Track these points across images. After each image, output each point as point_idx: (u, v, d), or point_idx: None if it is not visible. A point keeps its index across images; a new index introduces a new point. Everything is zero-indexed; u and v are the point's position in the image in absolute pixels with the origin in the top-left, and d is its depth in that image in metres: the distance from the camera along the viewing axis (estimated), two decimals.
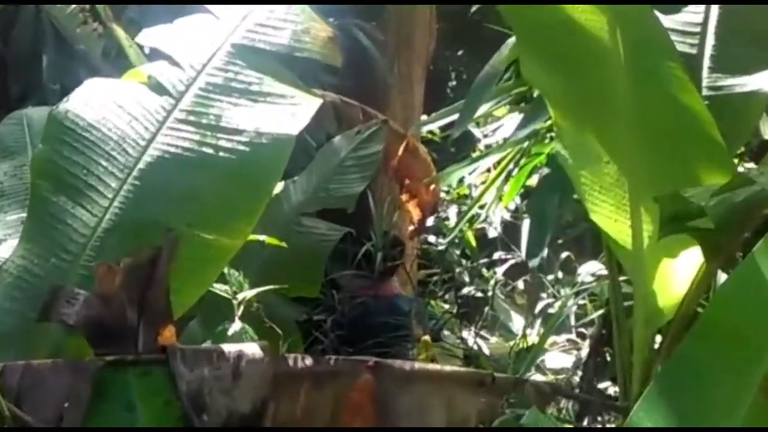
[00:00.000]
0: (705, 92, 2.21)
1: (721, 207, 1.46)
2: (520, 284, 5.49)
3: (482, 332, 5.16)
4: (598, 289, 3.29)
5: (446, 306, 5.40)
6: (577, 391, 3.49)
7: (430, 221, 5.53)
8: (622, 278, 2.50)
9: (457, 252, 5.64)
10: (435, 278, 5.39)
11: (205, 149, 1.99)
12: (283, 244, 2.17)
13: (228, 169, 1.99)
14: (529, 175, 3.76)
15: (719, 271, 2.26)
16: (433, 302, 5.35)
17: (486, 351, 4.76)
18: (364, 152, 2.95)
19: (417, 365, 2.13)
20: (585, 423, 3.17)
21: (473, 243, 5.59)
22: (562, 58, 2.01)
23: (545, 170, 3.64)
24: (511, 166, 3.64)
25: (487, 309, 5.32)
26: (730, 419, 1.86)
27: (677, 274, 2.10)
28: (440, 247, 4.58)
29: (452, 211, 5.63)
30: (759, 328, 1.85)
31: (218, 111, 2.03)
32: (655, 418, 1.89)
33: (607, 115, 2.02)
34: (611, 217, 2.10)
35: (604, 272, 3.44)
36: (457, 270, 5.53)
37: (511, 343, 4.46)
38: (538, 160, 3.62)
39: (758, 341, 1.85)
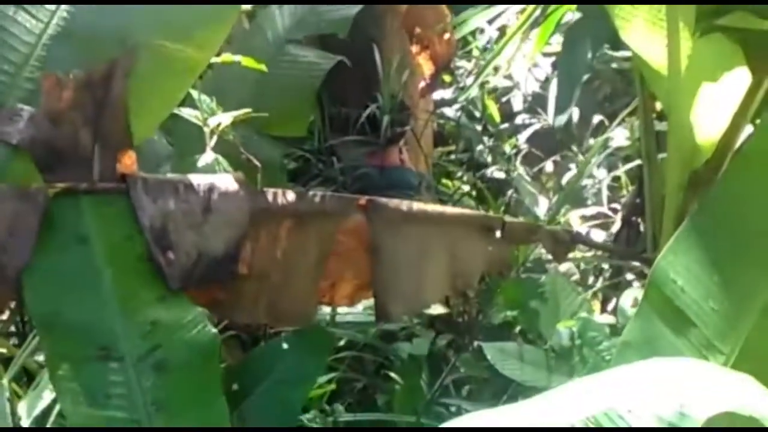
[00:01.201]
0: None
1: None
2: (549, 166, 5.39)
3: (505, 217, 5.07)
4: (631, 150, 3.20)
5: (465, 188, 5.32)
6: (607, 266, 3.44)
7: (448, 93, 5.41)
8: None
9: (479, 128, 5.52)
10: (452, 156, 5.30)
11: None
12: (263, 68, 2.08)
13: None
14: (558, 26, 3.63)
15: None
16: (450, 182, 5.27)
17: None
18: None
19: (415, 206, 2.05)
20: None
21: (496, 116, 5.47)
22: None
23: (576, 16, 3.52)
24: (538, 12, 3.51)
25: (510, 192, 5.24)
26: None
27: (718, 104, 2.01)
28: (452, 114, 4.45)
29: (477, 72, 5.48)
30: None
31: None
32: (685, 261, 1.83)
33: None
34: (645, 33, 1.99)
35: None
36: (478, 148, 5.42)
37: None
38: (566, 7, 3.50)
39: None
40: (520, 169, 5.28)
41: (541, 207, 5.11)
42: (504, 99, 5.59)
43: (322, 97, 3.59)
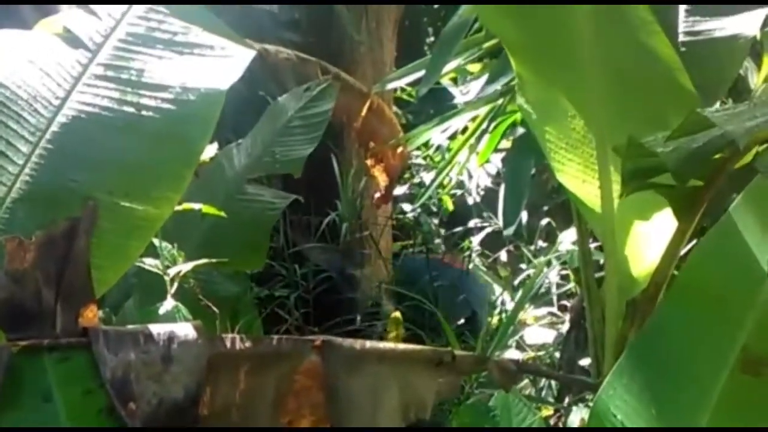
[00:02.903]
0: (682, 38, 2.14)
1: (678, 154, 1.39)
2: (503, 255, 5.44)
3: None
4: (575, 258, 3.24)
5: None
6: (559, 368, 3.46)
7: (405, 189, 5.48)
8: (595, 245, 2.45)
9: (435, 221, 5.59)
10: (410, 250, 5.34)
11: (125, 108, 1.91)
12: (222, 213, 2.09)
13: (152, 130, 1.90)
14: (504, 135, 3.70)
15: None
16: None
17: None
18: (313, 111, 2.87)
19: (368, 344, 2.07)
20: (566, 402, 3.15)
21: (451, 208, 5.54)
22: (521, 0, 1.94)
23: (521, 130, 3.59)
24: (485, 125, 3.58)
25: None
26: (707, 396, 1.82)
27: (651, 238, 2.05)
28: (410, 214, 4.52)
29: (429, 178, 5.56)
30: (738, 292, 1.80)
31: (140, 65, 1.94)
32: (625, 396, 1.85)
33: (571, 64, 1.96)
34: (579, 177, 2.04)
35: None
36: (436, 241, 5.48)
37: (494, 319, 4.41)
38: (513, 118, 3.57)
39: (737, 307, 1.81)
40: (477, 260, 5.33)
41: (498, 297, 5.16)
42: (459, 193, 5.67)
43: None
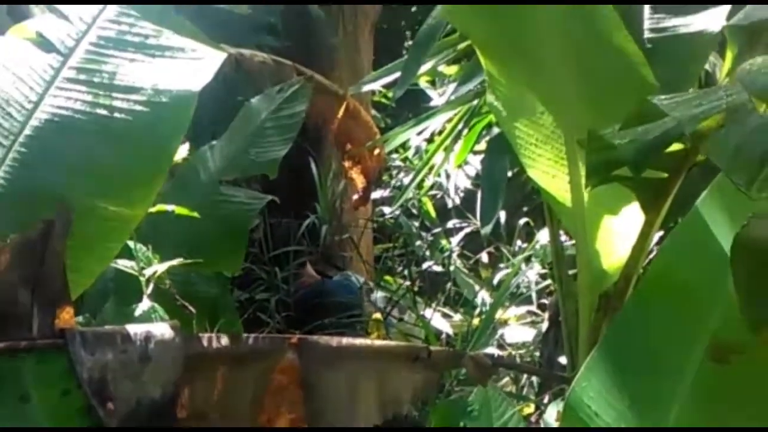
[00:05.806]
0: (648, 35, 2.19)
1: (634, 145, 1.44)
2: (485, 257, 5.48)
3: (445, 309, 5.14)
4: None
5: (406, 283, 5.38)
6: (539, 366, 3.50)
7: (385, 192, 5.52)
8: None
9: (416, 224, 5.63)
10: (392, 253, 5.38)
11: (98, 110, 1.93)
12: (195, 214, 2.13)
13: (124, 132, 1.93)
14: (481, 136, 3.75)
15: None
16: (391, 279, 5.34)
17: (449, 330, 4.74)
18: (286, 113, 2.90)
19: (345, 341, 2.10)
20: (546, 398, 3.19)
21: (432, 213, 5.58)
22: None
23: (497, 130, 3.63)
24: (460, 126, 3.62)
25: (449, 285, 5.31)
26: (677, 384, 1.86)
27: (621, 232, 2.10)
28: (388, 216, 4.55)
29: (408, 181, 5.59)
30: (706, 282, 1.85)
31: (112, 68, 1.96)
32: (597, 387, 1.89)
33: (538, 61, 2.00)
34: (549, 172, 2.09)
35: (564, 237, 3.44)
36: (417, 243, 5.52)
37: (475, 320, 4.45)
38: (488, 119, 3.61)
39: (705, 297, 1.85)
40: (458, 262, 5.37)
41: (479, 297, 5.20)
42: (438, 195, 5.71)
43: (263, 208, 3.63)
